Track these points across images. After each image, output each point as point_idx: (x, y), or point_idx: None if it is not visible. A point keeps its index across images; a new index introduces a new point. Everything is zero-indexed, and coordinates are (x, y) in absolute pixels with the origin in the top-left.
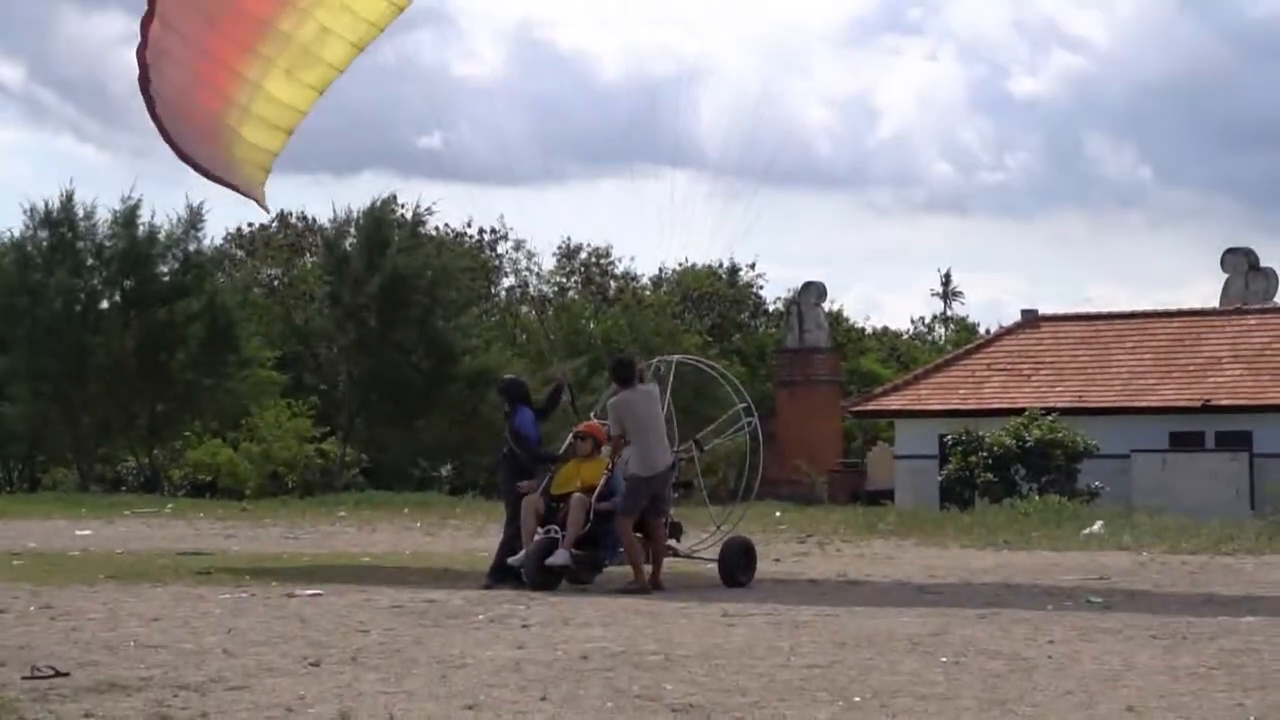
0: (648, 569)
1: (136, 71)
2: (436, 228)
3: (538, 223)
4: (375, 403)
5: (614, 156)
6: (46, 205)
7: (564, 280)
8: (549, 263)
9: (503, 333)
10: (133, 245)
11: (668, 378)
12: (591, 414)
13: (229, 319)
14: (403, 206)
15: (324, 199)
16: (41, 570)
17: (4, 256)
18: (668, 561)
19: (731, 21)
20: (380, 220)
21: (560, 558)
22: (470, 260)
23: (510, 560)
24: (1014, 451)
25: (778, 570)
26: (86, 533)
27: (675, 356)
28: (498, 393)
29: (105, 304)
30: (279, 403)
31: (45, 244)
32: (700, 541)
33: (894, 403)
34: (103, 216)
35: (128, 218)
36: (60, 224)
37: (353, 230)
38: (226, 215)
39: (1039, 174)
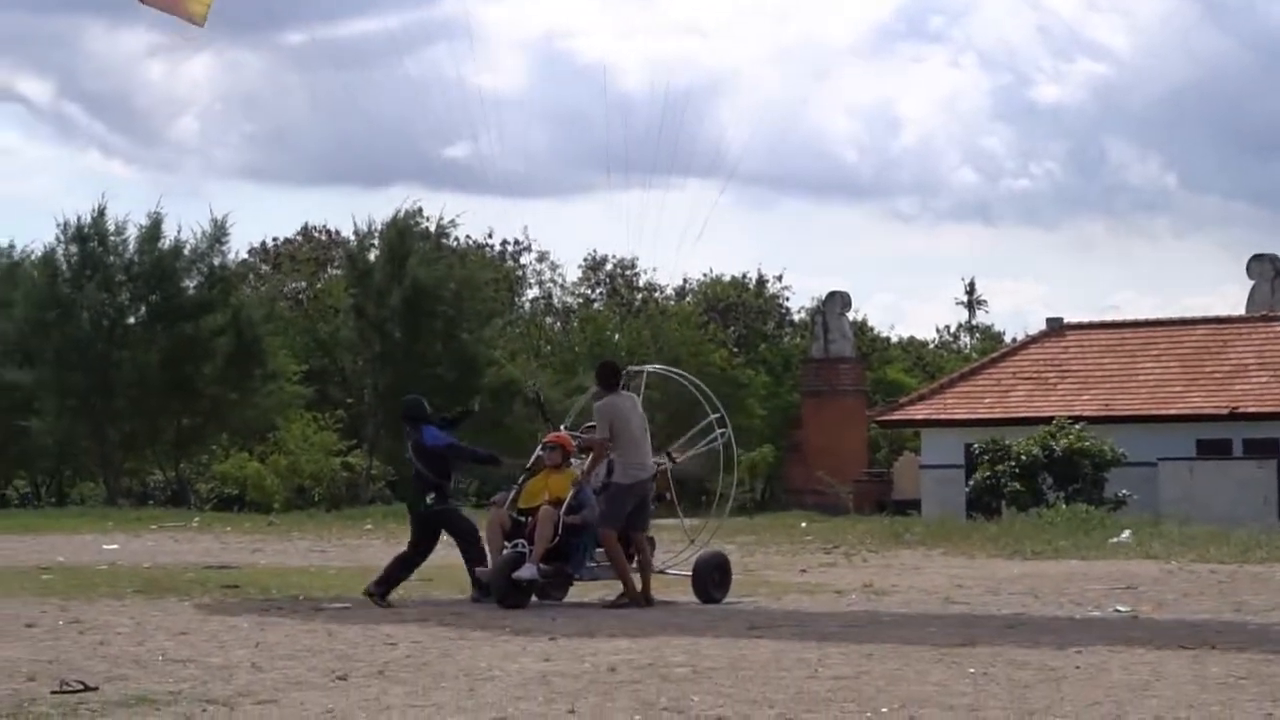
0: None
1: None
2: (459, 240)
3: (562, 234)
4: (400, 416)
5: (637, 167)
6: (79, 220)
7: (588, 292)
8: (573, 274)
9: (527, 344)
10: (159, 260)
11: (639, 388)
12: (563, 425)
13: (254, 333)
14: (426, 219)
15: (355, 211)
16: (70, 584)
17: (33, 271)
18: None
19: (754, 31)
20: (403, 232)
21: (527, 572)
22: (494, 272)
23: (478, 572)
24: (1041, 460)
25: (804, 581)
26: (114, 547)
27: (647, 366)
28: (401, 419)
29: (132, 319)
30: (305, 416)
31: (75, 259)
32: (675, 556)
33: (920, 412)
34: (131, 232)
35: (153, 232)
36: (90, 239)
37: (376, 242)
38: (251, 229)
39: (1063, 181)
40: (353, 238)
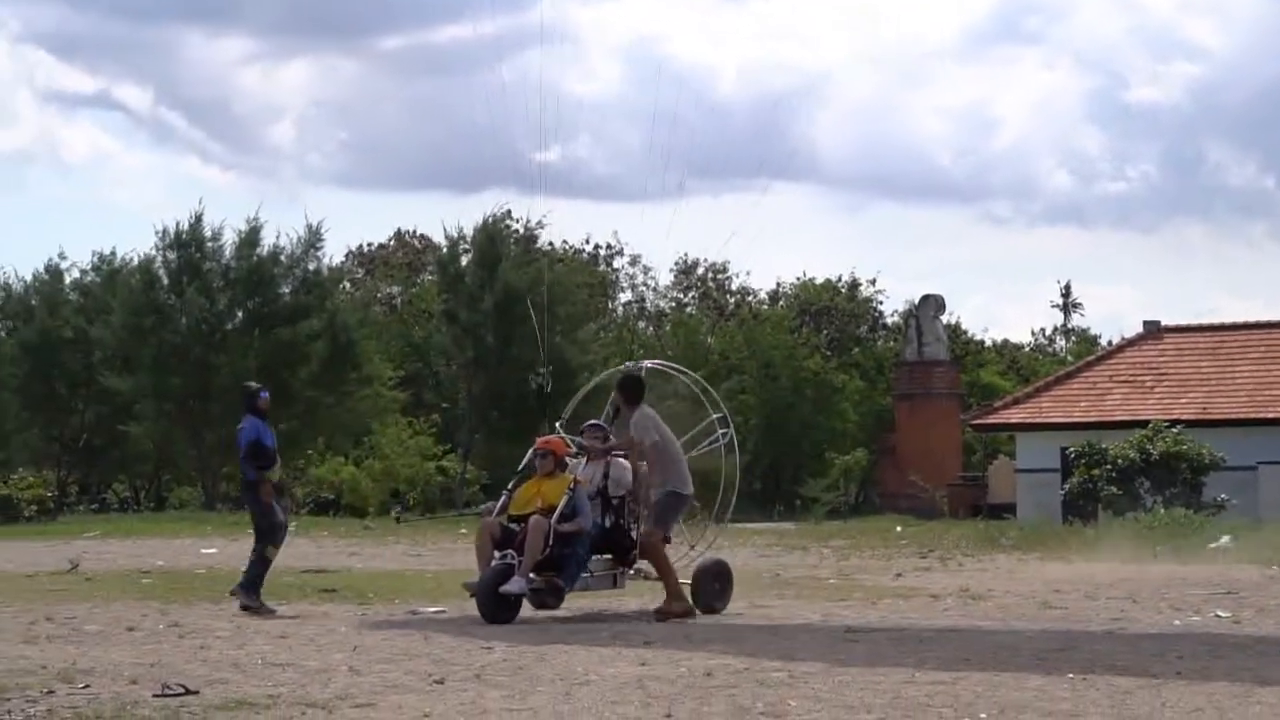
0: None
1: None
2: (551, 244)
3: (654, 238)
4: (494, 419)
5: (730, 171)
6: (178, 227)
7: (681, 295)
8: (665, 278)
9: (620, 348)
10: (256, 266)
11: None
12: (558, 425)
13: (349, 337)
14: (516, 221)
15: (449, 216)
16: (169, 588)
17: (132, 278)
18: (650, 586)
19: (847, 34)
20: (493, 236)
21: (516, 585)
22: (587, 276)
23: (464, 585)
24: (1138, 464)
25: (899, 586)
26: (212, 551)
27: (646, 362)
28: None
29: (229, 324)
30: (400, 420)
31: (173, 265)
32: (675, 562)
33: (1015, 415)
34: (229, 238)
35: (251, 238)
36: (188, 245)
37: (467, 247)
38: (346, 234)
39: (1159, 184)
40: (444, 243)
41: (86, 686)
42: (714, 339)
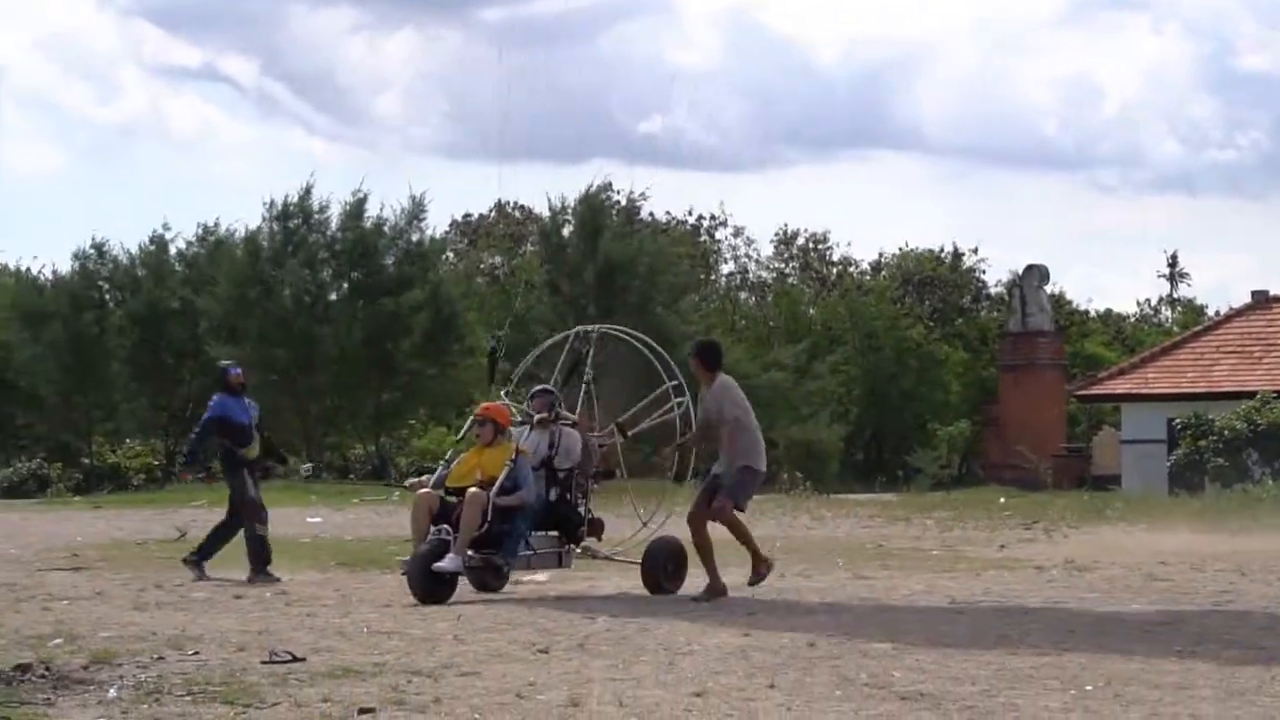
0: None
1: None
2: (652, 215)
3: (756, 208)
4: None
5: (832, 141)
6: (285, 199)
7: (782, 266)
8: (767, 249)
9: (722, 319)
10: (361, 237)
11: (589, 352)
12: (502, 392)
13: (452, 308)
14: (618, 193)
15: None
16: (275, 557)
17: (237, 249)
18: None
19: (952, 3)
20: (595, 207)
21: (450, 563)
22: (688, 247)
23: (397, 561)
24: (1245, 435)
25: (1004, 557)
26: (317, 520)
27: (597, 327)
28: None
29: (333, 295)
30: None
31: (278, 237)
32: (625, 540)
33: (1120, 386)
34: (334, 210)
35: (356, 210)
36: (294, 216)
37: (569, 218)
38: (451, 204)
39: (1270, 151)
40: (546, 213)
41: (196, 653)
42: (816, 310)
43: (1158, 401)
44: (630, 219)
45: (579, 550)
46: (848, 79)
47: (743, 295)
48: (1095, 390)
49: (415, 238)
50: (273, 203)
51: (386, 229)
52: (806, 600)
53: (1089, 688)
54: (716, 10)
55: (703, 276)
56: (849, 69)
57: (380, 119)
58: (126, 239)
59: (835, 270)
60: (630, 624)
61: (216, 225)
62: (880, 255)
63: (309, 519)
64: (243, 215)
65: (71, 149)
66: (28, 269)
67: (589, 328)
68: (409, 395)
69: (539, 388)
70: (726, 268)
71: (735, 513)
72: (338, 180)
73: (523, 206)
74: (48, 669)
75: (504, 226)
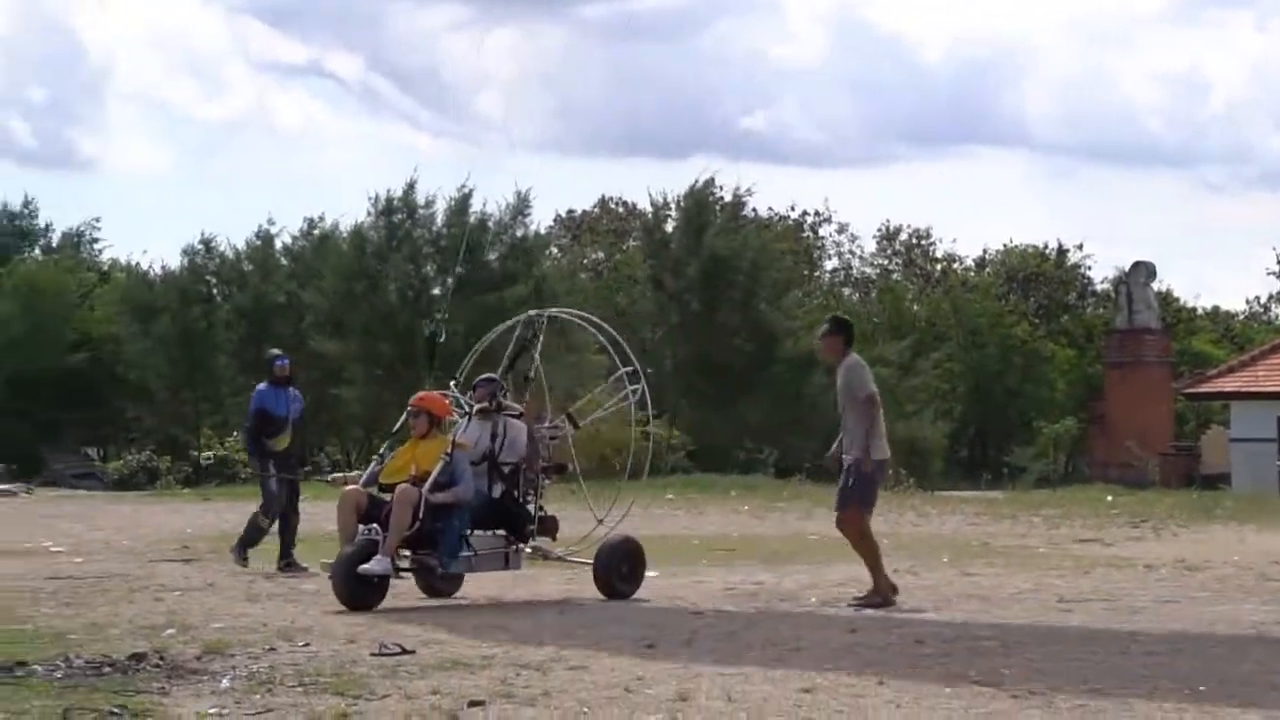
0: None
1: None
2: (755, 210)
3: (859, 204)
4: (699, 385)
5: (936, 138)
6: (389, 194)
7: (885, 262)
8: (870, 245)
9: (826, 315)
10: (465, 233)
11: (537, 336)
12: (453, 381)
13: (555, 303)
14: (721, 189)
15: (652, 183)
16: None
17: (342, 244)
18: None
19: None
20: (700, 203)
21: (377, 565)
22: (791, 243)
23: (321, 564)
24: None
25: (1112, 555)
26: None
27: (549, 310)
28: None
29: (437, 290)
30: (606, 386)
31: (383, 232)
32: (580, 541)
33: (1229, 384)
34: (439, 205)
35: (461, 205)
36: (399, 211)
37: (673, 214)
38: (555, 199)
39: None
40: (649, 209)
41: (306, 644)
42: (920, 306)
43: (1268, 400)
44: (735, 214)
45: (528, 550)
46: (952, 75)
47: (846, 291)
48: (1204, 388)
49: (520, 233)
50: (377, 198)
51: (491, 224)
52: (913, 599)
53: (1202, 688)
54: (821, 6)
55: (806, 272)
56: (953, 65)
57: (484, 115)
58: (233, 234)
59: (939, 267)
60: (737, 619)
61: (321, 220)
62: (984, 251)
63: None
64: (347, 210)
65: (180, 146)
66: (137, 264)
67: (538, 312)
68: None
69: (482, 376)
70: (830, 264)
71: (865, 524)
72: (442, 176)
73: (626, 202)
74: (162, 658)
75: (607, 222)
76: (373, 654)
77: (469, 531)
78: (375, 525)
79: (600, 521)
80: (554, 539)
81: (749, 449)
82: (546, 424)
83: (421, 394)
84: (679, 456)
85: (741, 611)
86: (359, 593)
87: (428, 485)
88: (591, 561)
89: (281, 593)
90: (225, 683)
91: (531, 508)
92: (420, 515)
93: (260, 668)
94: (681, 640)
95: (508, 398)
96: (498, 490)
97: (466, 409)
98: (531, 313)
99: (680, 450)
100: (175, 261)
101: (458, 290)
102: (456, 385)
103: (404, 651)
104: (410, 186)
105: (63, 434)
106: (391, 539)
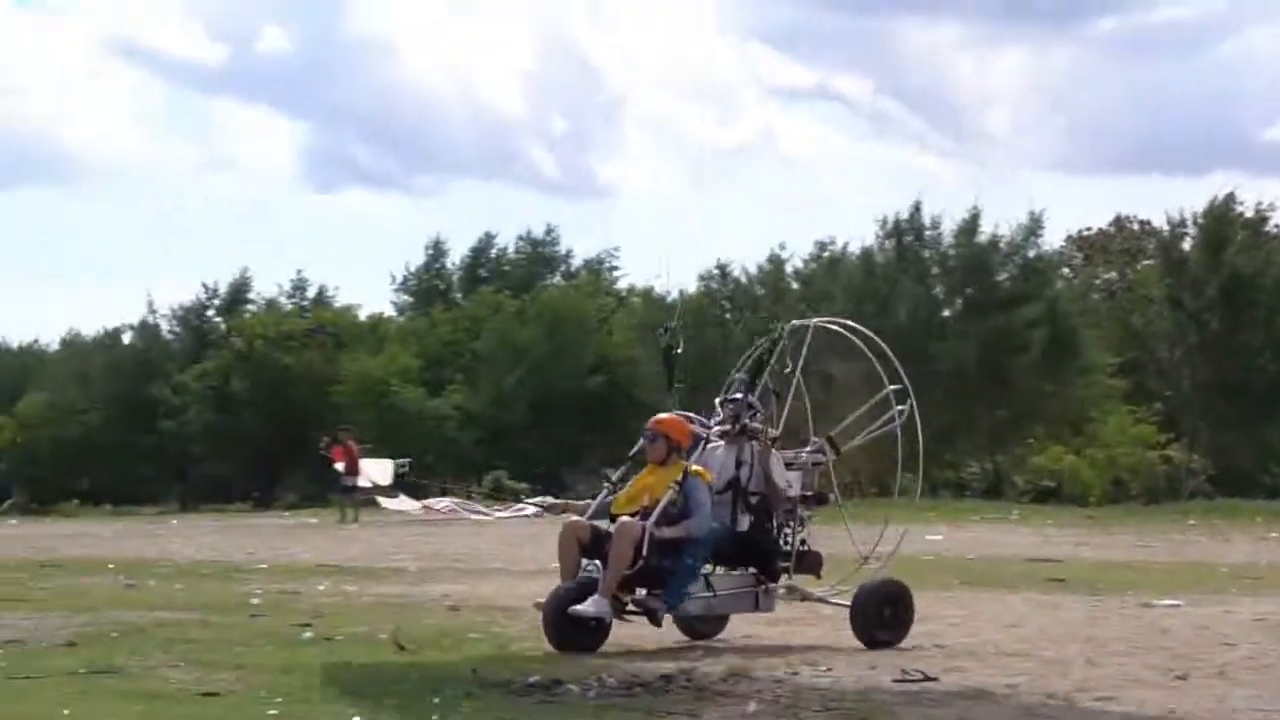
0: None
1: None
2: (1278, 227)
3: None
4: (1220, 408)
5: None
6: (896, 216)
7: None
8: None
9: None
10: (975, 253)
11: (799, 350)
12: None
13: (1069, 325)
14: (1242, 204)
15: (1168, 200)
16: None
17: (852, 266)
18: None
19: None
20: (1219, 219)
21: (592, 606)
22: None
23: (534, 603)
24: None
25: None
26: (937, 537)
27: (812, 320)
28: None
29: (947, 311)
30: (1121, 409)
31: (891, 253)
32: (841, 580)
33: None
34: (947, 227)
35: (970, 225)
36: (906, 233)
37: (1190, 231)
38: (1064, 218)
39: None
40: (1165, 226)
41: (828, 669)
42: None
43: None
44: (1257, 231)
45: (782, 590)
46: None
47: None
48: None
49: (1032, 253)
50: (885, 219)
51: (1002, 244)
52: None
53: None
54: None
55: None
56: None
57: (991, 133)
58: (745, 258)
59: None
60: (1272, 651)
61: (831, 242)
62: None
63: (928, 536)
64: (857, 233)
65: (692, 170)
66: (651, 288)
67: (803, 321)
68: (1025, 413)
69: (731, 395)
70: None
71: None
72: (950, 196)
73: (1141, 220)
74: (689, 680)
75: (1121, 241)
76: (895, 680)
77: (710, 569)
78: (597, 562)
79: (865, 559)
80: (818, 576)
81: (1275, 473)
82: (809, 448)
83: (660, 416)
84: (1199, 481)
85: (1276, 643)
86: (570, 634)
87: (653, 518)
88: (848, 604)
89: (801, 616)
90: (752, 706)
91: (788, 543)
92: (644, 552)
93: (784, 691)
94: (1213, 671)
95: (756, 419)
96: (745, 523)
97: (704, 431)
98: (795, 322)
99: (1200, 475)
100: (691, 286)
101: (966, 312)
102: (721, 404)
103: (927, 679)
104: (916, 207)
105: (583, 455)
106: (610, 577)
